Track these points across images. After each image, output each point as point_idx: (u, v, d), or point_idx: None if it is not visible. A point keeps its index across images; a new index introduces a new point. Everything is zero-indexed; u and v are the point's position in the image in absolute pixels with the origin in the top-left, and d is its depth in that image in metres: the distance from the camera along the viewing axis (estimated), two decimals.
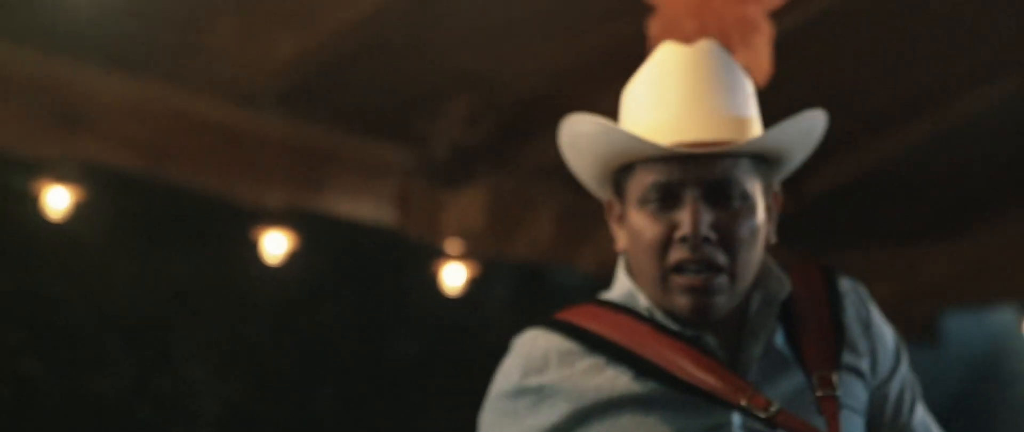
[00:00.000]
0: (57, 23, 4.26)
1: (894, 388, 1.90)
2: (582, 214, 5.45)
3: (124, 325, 5.66)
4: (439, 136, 5.30)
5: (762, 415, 1.73)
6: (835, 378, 1.79)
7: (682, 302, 1.76)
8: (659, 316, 1.80)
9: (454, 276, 5.73)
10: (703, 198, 1.75)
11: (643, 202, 1.77)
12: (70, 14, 4.23)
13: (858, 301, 1.90)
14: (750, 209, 1.76)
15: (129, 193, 5.50)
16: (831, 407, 1.77)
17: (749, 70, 3.04)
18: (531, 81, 5.11)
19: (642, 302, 1.81)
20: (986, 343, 8.47)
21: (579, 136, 1.81)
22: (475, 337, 6.57)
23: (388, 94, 5.09)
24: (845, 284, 1.90)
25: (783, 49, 3.00)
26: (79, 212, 4.90)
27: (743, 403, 1.74)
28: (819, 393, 1.78)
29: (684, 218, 1.74)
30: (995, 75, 5.75)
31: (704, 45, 1.82)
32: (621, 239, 1.83)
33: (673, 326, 1.80)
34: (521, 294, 6.69)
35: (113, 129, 4.70)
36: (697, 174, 1.74)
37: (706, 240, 1.73)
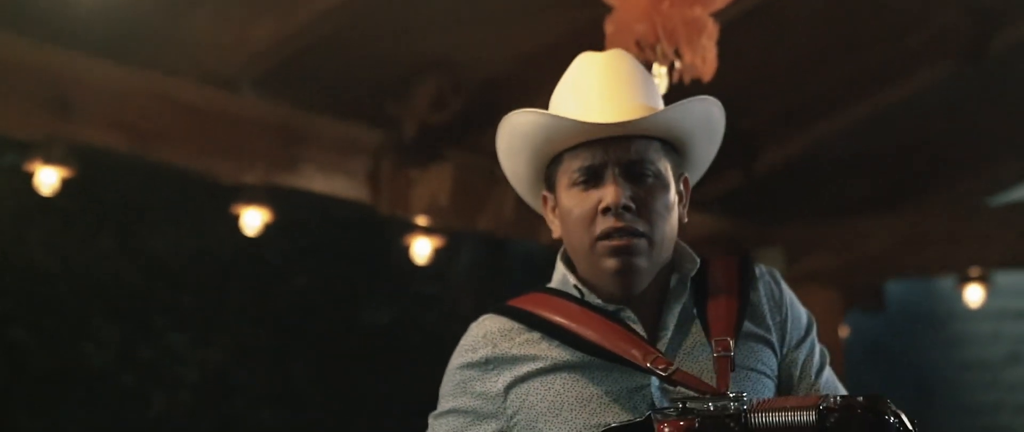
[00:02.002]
0: (50, 15, 4.40)
1: (802, 354, 2.13)
2: None
3: (109, 296, 5.77)
4: (408, 117, 5.43)
5: (663, 374, 1.96)
6: (731, 342, 2.01)
7: (610, 264, 2.01)
8: (587, 295, 2.06)
9: (422, 248, 5.91)
10: (622, 175, 2.01)
11: (572, 184, 2.03)
12: (62, 6, 4.37)
13: (771, 283, 2.14)
14: (663, 186, 2.03)
15: (115, 172, 5.61)
16: (724, 365, 1.99)
17: (695, 68, 3.25)
18: (496, 65, 5.28)
19: (571, 281, 2.07)
20: (928, 310, 8.65)
21: (516, 135, 2.06)
22: (442, 305, 6.70)
23: (360, 77, 5.23)
24: (759, 269, 2.14)
25: (728, 35, 3.15)
26: (67, 190, 5.01)
27: (648, 365, 1.97)
28: (716, 354, 2.00)
29: (607, 192, 2.00)
30: (932, 58, 5.94)
31: (615, 51, 2.11)
32: (556, 227, 2.08)
33: (598, 303, 2.04)
34: (485, 265, 6.85)
35: (100, 112, 4.80)
36: (616, 155, 2.00)
37: (626, 208, 1.99)
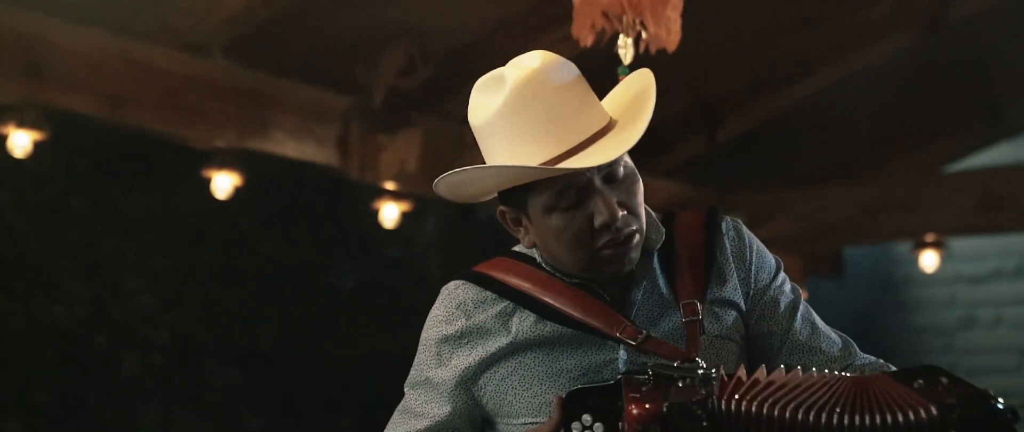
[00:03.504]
0: None
1: (780, 295, 2.13)
2: None
3: (81, 258, 5.78)
4: (378, 83, 5.47)
5: (632, 343, 1.97)
6: (700, 307, 2.02)
7: (609, 269, 1.99)
8: (557, 274, 2.05)
9: (391, 213, 5.97)
10: (605, 184, 1.96)
11: (551, 209, 1.96)
12: None
13: (735, 237, 2.12)
14: (633, 173, 2.01)
15: (87, 136, 5.62)
16: (693, 330, 2.00)
17: (660, 39, 3.31)
18: (464, 32, 5.32)
19: (537, 257, 2.06)
20: (885, 275, 8.77)
21: (468, 183, 1.98)
22: (409, 268, 6.73)
23: (330, 44, 5.26)
24: (724, 224, 2.12)
25: (693, 6, 3.17)
26: (40, 153, 5.04)
27: (617, 334, 1.97)
28: (684, 319, 2.01)
29: (599, 208, 1.95)
30: (892, 29, 6.05)
31: (545, 60, 1.97)
32: (527, 239, 2.04)
33: (566, 277, 2.04)
34: (452, 230, 6.88)
35: (73, 77, 4.83)
36: (596, 169, 1.94)
37: (622, 219, 1.96)
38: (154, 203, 5.98)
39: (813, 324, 2.16)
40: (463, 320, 2.06)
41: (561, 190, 1.95)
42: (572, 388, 1.95)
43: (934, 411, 1.79)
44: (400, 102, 5.53)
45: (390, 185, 5.78)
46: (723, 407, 1.83)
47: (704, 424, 1.81)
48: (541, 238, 2.02)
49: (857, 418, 1.82)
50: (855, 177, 6.90)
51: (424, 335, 2.12)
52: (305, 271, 6.51)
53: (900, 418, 1.81)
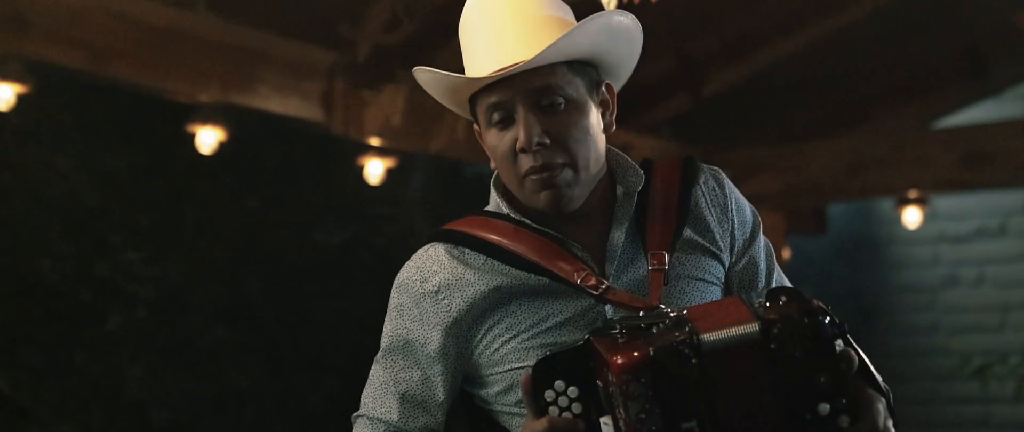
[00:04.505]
0: None
1: (758, 253, 2.14)
2: None
3: (65, 213, 5.76)
4: (362, 38, 5.46)
5: (594, 293, 1.94)
6: (666, 255, 2.00)
7: (540, 199, 1.97)
8: (523, 219, 2.03)
9: (375, 169, 5.98)
10: (532, 109, 1.94)
11: (489, 125, 1.98)
12: None
13: (714, 187, 2.11)
14: (577, 109, 1.97)
15: (71, 90, 5.59)
16: (657, 278, 1.98)
17: None
18: None
19: (504, 209, 2.05)
20: (868, 234, 8.80)
21: (428, 87, 2.03)
22: (395, 225, 6.72)
23: None
24: (702, 175, 2.11)
25: None
26: (23, 107, 5.02)
27: (578, 282, 1.95)
28: (650, 268, 1.99)
29: (516, 131, 1.94)
30: None
31: None
32: (492, 160, 2.05)
33: (533, 225, 2.02)
34: (438, 187, 6.87)
35: (57, 30, 4.81)
36: (523, 90, 1.93)
37: (541, 145, 1.94)
38: (138, 158, 5.95)
39: (782, 279, 2.18)
40: (439, 277, 2.04)
41: (491, 106, 1.97)
42: (570, 341, 1.93)
43: (756, 327, 1.79)
44: (385, 58, 5.51)
45: (375, 141, 5.78)
46: (708, 340, 1.79)
47: (693, 361, 1.78)
48: (491, 156, 2.03)
49: (697, 336, 1.80)
50: (839, 134, 6.92)
51: (399, 299, 2.09)
52: (290, 228, 6.50)
53: (724, 334, 1.79)
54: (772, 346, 1.78)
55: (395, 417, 2.07)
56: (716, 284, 2.09)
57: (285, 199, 6.48)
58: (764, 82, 6.58)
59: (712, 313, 1.84)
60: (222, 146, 5.51)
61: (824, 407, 1.79)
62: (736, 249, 2.12)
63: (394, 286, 2.09)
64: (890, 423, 1.87)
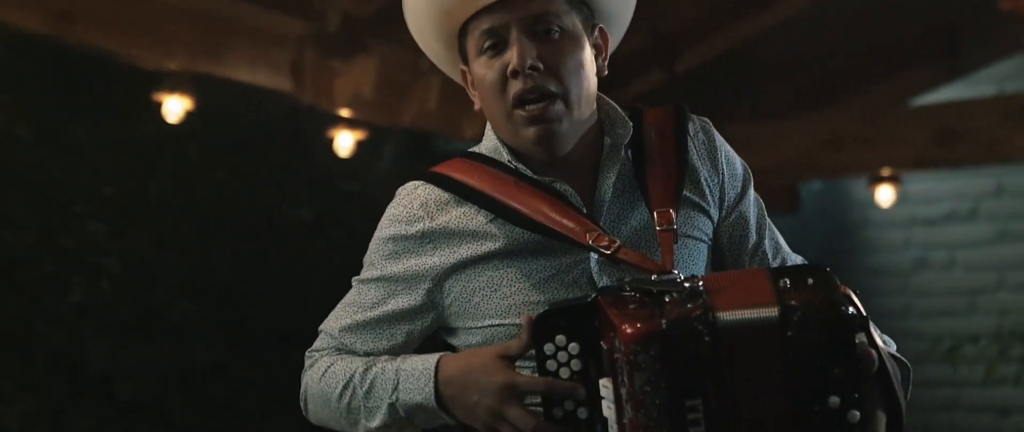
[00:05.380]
0: None
1: (745, 209, 2.10)
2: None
3: (28, 183, 5.69)
4: (332, 8, 5.40)
5: (606, 252, 1.91)
6: (673, 214, 1.96)
7: (529, 133, 1.95)
8: (521, 167, 2.00)
9: (345, 141, 5.92)
10: (527, 35, 1.94)
11: (480, 52, 1.96)
12: None
13: (705, 139, 2.08)
14: (572, 40, 1.96)
15: (35, 55, 5.51)
16: (668, 240, 1.95)
17: None
18: None
19: (506, 156, 2.01)
20: (842, 211, 8.79)
21: (418, 13, 2.01)
22: (364, 199, 6.64)
23: None
24: (693, 125, 2.08)
25: None
26: None
27: (590, 241, 1.92)
28: (659, 228, 1.96)
29: (512, 54, 1.93)
30: None
31: None
32: (477, 100, 2.02)
33: (532, 175, 1.99)
34: (409, 161, 6.78)
35: None
36: (518, 15, 1.94)
37: (534, 69, 1.92)
38: (104, 126, 5.88)
39: (777, 243, 2.14)
40: (426, 221, 2.01)
41: (484, 32, 1.95)
42: (544, 307, 1.89)
43: (776, 311, 1.76)
44: (355, 27, 5.46)
45: (345, 112, 5.72)
46: (724, 320, 1.75)
47: (706, 339, 1.74)
48: (479, 91, 2.00)
49: (713, 313, 1.76)
50: (812, 111, 6.90)
51: (380, 234, 2.06)
52: (258, 201, 6.44)
53: (740, 315, 1.77)
54: (789, 333, 1.75)
55: (354, 341, 2.05)
56: (705, 241, 2.06)
57: (254, 172, 6.42)
58: (738, 59, 6.54)
59: (731, 288, 1.80)
60: (189, 116, 5.44)
61: (834, 400, 1.75)
62: (726, 204, 2.08)
63: (381, 221, 2.06)
64: None
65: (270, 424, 6.33)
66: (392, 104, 5.73)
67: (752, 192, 2.13)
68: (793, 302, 1.75)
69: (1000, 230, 8.13)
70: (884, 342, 1.96)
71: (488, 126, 2.07)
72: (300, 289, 6.49)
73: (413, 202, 2.02)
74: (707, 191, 2.05)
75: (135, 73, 5.38)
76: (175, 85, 5.34)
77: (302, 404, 2.11)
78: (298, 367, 2.14)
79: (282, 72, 5.51)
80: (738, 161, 2.13)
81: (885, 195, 6.89)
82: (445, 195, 2.01)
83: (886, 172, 6.79)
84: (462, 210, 2.00)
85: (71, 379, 5.78)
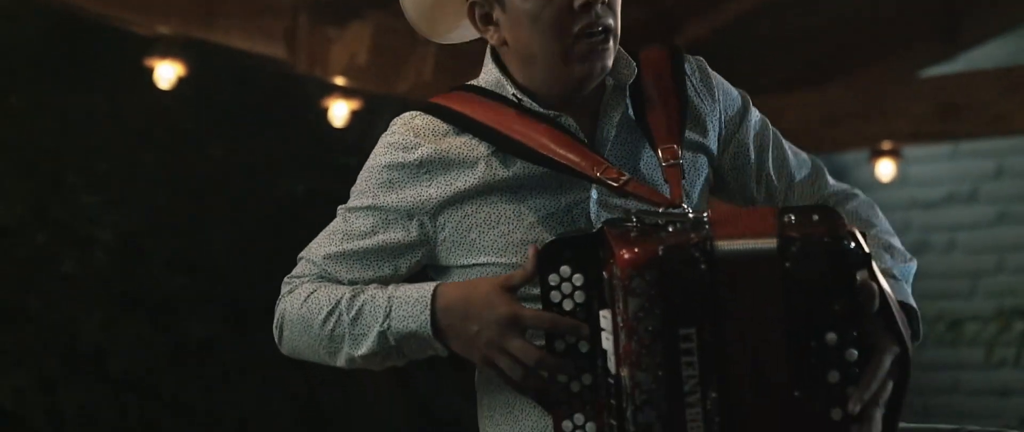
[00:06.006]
0: None
1: (748, 135, 2.08)
2: (461, 52, 5.64)
3: (18, 153, 5.64)
4: None
5: (614, 185, 1.88)
6: (679, 150, 1.95)
7: (583, 69, 1.92)
8: (525, 100, 1.96)
9: (340, 111, 5.87)
10: None
11: None
12: None
13: (701, 75, 2.08)
14: None
15: (24, 21, 5.47)
16: (675, 174, 1.93)
17: None
18: None
19: (510, 89, 1.97)
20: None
21: None
22: (358, 172, 6.65)
23: None
24: (690, 65, 2.07)
25: None
26: None
27: (598, 174, 1.89)
28: (665, 164, 1.95)
29: None
30: None
31: None
32: (496, 35, 1.96)
33: (537, 108, 1.95)
34: None
35: None
36: None
37: (603, 3, 1.90)
38: (96, 96, 5.82)
39: (783, 154, 2.11)
40: (423, 150, 1.95)
41: None
42: (549, 237, 1.88)
43: (774, 242, 1.74)
44: None
45: (340, 80, 5.66)
46: (722, 249, 1.73)
47: (702, 267, 1.72)
48: (513, 28, 1.93)
49: (711, 242, 1.75)
50: (811, 86, 6.88)
51: (373, 161, 2.00)
52: (252, 175, 6.38)
53: (739, 245, 1.75)
54: (787, 264, 1.72)
55: (338, 269, 2.00)
56: (708, 179, 2.06)
57: (247, 144, 6.35)
58: (737, 33, 6.49)
59: (734, 220, 1.79)
60: (182, 83, 5.37)
61: (832, 336, 1.73)
62: (726, 135, 2.06)
63: (375, 149, 2.01)
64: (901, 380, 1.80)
65: (263, 400, 6.31)
66: (387, 73, 5.68)
67: (753, 116, 2.11)
68: (793, 234, 1.73)
69: (1000, 212, 8.14)
70: (897, 277, 1.97)
71: (488, 60, 2.02)
72: (293, 264, 6.46)
73: (411, 130, 1.97)
74: (710, 128, 2.04)
75: (126, 36, 5.31)
76: (167, 50, 5.28)
77: (276, 332, 2.07)
78: None
79: (276, 39, 5.46)
80: (734, 91, 2.11)
81: (885, 169, 6.87)
82: (444, 125, 1.96)
83: (886, 146, 6.77)
84: (462, 140, 1.95)
85: (64, 353, 5.73)
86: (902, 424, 1.88)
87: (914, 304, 1.95)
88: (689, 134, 2.01)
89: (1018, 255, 8.10)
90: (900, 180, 7.28)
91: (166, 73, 5.32)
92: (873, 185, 7.98)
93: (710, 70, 2.09)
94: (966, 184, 8.28)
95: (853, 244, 1.75)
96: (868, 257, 1.76)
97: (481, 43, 2.05)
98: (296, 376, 6.33)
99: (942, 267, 8.41)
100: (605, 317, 1.79)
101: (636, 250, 1.73)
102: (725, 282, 1.72)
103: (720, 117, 2.06)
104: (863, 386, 1.74)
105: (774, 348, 1.73)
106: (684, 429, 1.72)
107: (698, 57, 2.10)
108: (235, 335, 6.27)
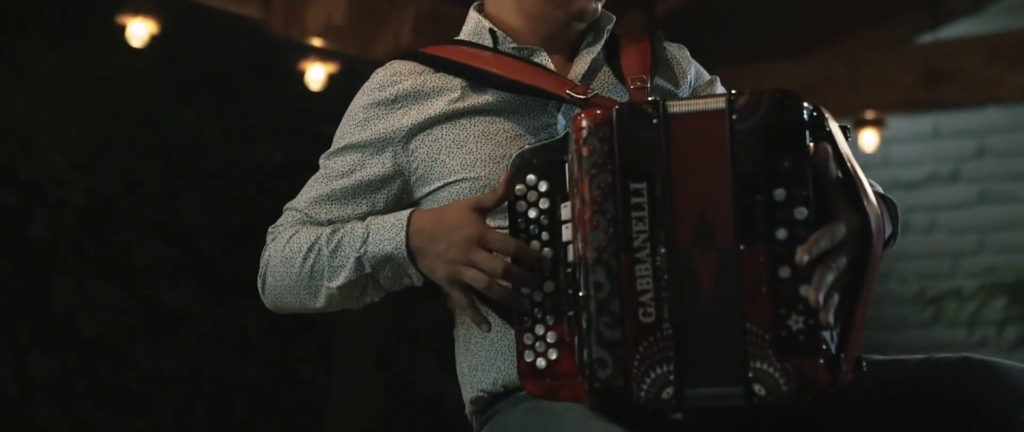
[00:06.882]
0: None
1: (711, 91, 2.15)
2: (441, 15, 5.57)
3: None
4: None
5: (580, 97, 1.97)
6: (646, 77, 2.04)
7: (580, 5, 2.03)
8: (502, 40, 2.07)
9: (317, 74, 5.81)
10: None
11: None
12: None
13: (682, 57, 2.17)
14: None
15: None
16: (640, 97, 2.00)
17: None
18: None
19: (486, 24, 2.08)
20: None
21: None
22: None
23: None
24: (670, 47, 2.17)
25: None
26: None
27: (567, 92, 1.98)
28: (632, 87, 2.03)
29: None
30: None
31: None
32: None
33: (512, 47, 2.06)
34: None
35: None
36: None
37: None
38: (65, 57, 5.74)
39: None
40: (397, 86, 2.04)
41: None
42: (516, 150, 1.91)
43: (723, 102, 1.78)
44: None
45: (316, 42, 5.58)
46: (673, 110, 1.79)
47: (654, 122, 1.77)
48: None
49: (664, 103, 1.83)
50: (795, 55, 6.86)
51: (352, 107, 2.08)
52: (228, 140, 6.34)
53: (689, 105, 1.82)
54: (734, 117, 1.76)
55: (320, 212, 2.07)
56: None
57: (222, 109, 6.31)
58: (722, 2, 6.48)
59: (691, 103, 1.85)
60: (155, 43, 5.31)
61: (780, 192, 1.74)
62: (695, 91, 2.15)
63: (354, 99, 2.10)
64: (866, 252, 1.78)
65: (239, 366, 6.27)
66: (364, 34, 5.62)
67: (718, 85, 2.19)
68: (743, 98, 1.77)
69: (981, 191, 8.15)
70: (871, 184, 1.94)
71: (472, 9, 2.12)
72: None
73: (387, 72, 2.08)
74: (681, 83, 2.12)
75: None
76: (140, 7, 5.20)
77: (260, 282, 2.11)
78: (270, 314, 2.14)
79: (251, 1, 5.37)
80: (707, 73, 2.19)
81: (869, 140, 6.84)
82: (420, 66, 2.06)
83: (870, 115, 6.74)
84: (437, 76, 2.05)
85: (34, 318, 5.67)
86: (872, 356, 1.89)
87: (892, 199, 1.97)
88: (659, 81, 2.08)
89: (999, 235, 8.10)
90: (882, 160, 7.27)
91: (139, 30, 5.25)
92: (856, 157, 7.99)
93: (690, 56, 2.19)
94: (948, 164, 8.28)
95: (805, 104, 1.78)
96: (823, 119, 1.79)
97: (461, 8, 2.15)
98: (275, 348, 6.29)
99: (924, 247, 8.42)
100: (565, 207, 1.84)
101: (594, 112, 1.80)
102: (676, 137, 1.78)
103: (691, 83, 2.13)
104: (812, 241, 1.72)
105: (721, 203, 1.76)
106: (633, 286, 1.75)
107: (679, 44, 2.19)
108: (210, 302, 6.23)
